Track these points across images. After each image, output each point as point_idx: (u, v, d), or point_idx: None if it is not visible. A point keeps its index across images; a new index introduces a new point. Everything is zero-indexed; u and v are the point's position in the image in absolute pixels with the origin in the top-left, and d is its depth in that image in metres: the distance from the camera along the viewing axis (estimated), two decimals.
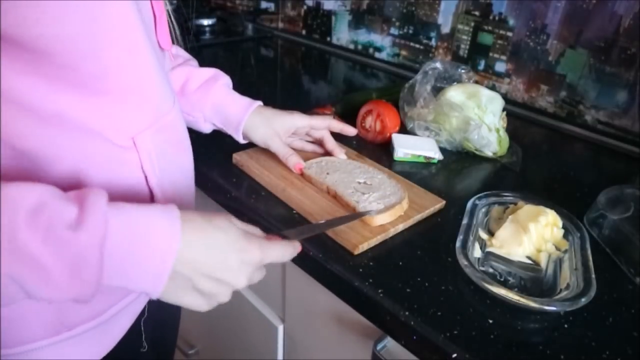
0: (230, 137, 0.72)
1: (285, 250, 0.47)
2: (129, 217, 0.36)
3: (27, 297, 0.33)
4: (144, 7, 0.44)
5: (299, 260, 0.62)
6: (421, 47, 1.24)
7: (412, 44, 1.26)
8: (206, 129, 0.73)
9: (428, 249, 0.60)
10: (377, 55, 1.35)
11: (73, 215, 0.34)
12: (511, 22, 1.05)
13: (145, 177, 0.46)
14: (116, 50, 0.39)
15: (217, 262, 0.40)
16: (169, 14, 0.54)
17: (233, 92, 0.71)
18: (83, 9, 0.35)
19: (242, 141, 0.71)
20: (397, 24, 1.27)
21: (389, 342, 0.58)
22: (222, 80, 0.71)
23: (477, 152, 0.84)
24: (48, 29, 0.34)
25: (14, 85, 0.35)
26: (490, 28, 1.09)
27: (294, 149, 0.71)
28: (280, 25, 1.60)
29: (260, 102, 0.71)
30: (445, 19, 1.17)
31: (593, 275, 0.54)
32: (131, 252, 0.36)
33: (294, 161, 0.69)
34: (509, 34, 1.06)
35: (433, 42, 1.21)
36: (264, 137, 0.70)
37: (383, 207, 0.62)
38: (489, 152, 0.84)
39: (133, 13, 0.40)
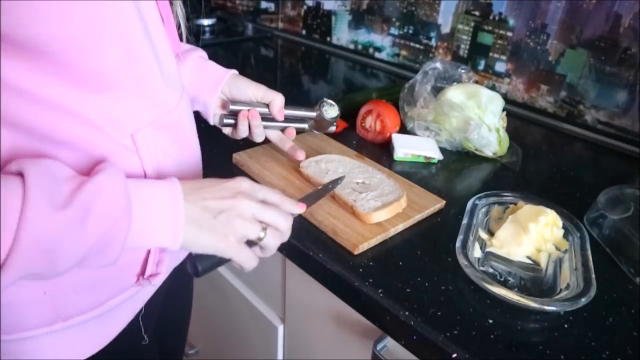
0: (231, 139, 0.69)
1: (279, 194, 0.49)
2: (134, 181, 0.41)
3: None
4: (146, 8, 0.44)
5: (299, 260, 0.62)
6: (421, 47, 1.24)
7: (412, 44, 1.26)
8: None
9: (428, 249, 0.60)
10: (377, 55, 1.35)
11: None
12: (511, 22, 1.05)
13: (145, 174, 0.46)
14: (115, 50, 0.40)
15: (214, 189, 0.45)
16: (180, 14, 0.54)
17: (211, 61, 0.69)
18: (80, 10, 0.35)
19: (214, 109, 0.66)
20: (397, 24, 1.27)
21: (389, 342, 0.58)
22: (198, 52, 0.69)
23: (477, 152, 0.84)
24: (45, 28, 0.34)
25: (8, 73, 0.35)
26: (490, 28, 1.09)
27: None
28: (280, 25, 1.60)
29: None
30: (445, 19, 1.17)
31: (593, 275, 0.54)
32: (145, 202, 0.40)
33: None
34: (509, 34, 1.06)
35: (433, 42, 1.21)
36: (253, 83, 0.66)
37: (380, 204, 0.62)
38: (489, 152, 0.84)
39: (132, 13, 0.40)
